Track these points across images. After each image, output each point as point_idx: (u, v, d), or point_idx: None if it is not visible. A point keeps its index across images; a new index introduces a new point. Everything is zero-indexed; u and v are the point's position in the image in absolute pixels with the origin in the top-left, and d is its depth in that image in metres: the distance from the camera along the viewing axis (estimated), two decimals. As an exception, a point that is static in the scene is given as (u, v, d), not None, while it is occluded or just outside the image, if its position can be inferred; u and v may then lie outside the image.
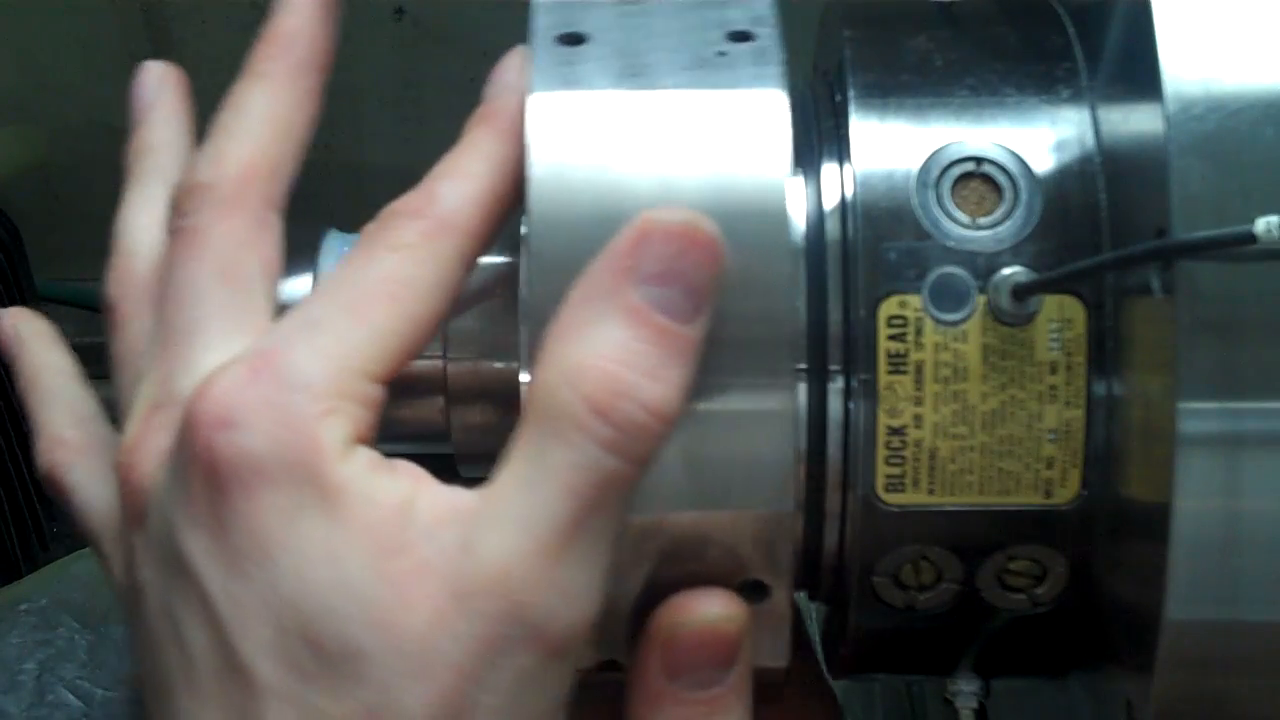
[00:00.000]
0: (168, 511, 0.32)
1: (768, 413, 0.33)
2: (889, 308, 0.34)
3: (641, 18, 0.36)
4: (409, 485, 0.32)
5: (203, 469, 0.31)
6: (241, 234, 0.35)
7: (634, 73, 0.35)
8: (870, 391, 0.34)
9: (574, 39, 0.35)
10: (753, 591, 0.34)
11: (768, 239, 0.33)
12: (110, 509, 0.36)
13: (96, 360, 0.40)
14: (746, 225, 0.32)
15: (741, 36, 0.35)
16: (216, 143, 0.36)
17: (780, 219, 0.33)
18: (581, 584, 0.31)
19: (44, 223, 0.86)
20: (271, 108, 0.37)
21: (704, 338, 0.31)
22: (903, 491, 0.34)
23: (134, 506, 0.33)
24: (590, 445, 0.30)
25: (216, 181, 0.35)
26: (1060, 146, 0.35)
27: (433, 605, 0.30)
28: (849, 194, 0.35)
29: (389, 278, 0.33)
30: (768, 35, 0.35)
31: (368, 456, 0.32)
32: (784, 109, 0.34)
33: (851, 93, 0.35)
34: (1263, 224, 0.29)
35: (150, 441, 0.33)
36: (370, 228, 0.34)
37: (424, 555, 0.31)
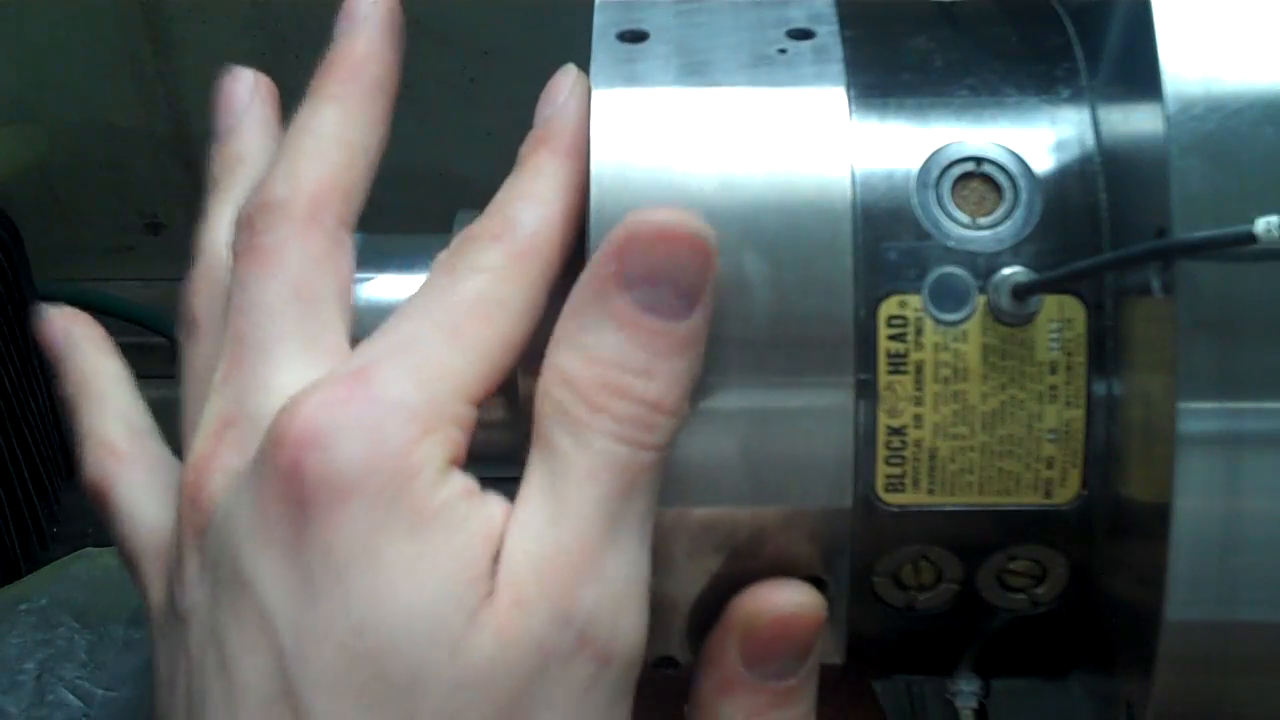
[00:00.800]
0: (233, 530, 0.31)
1: (827, 410, 0.33)
2: (889, 308, 0.34)
3: (702, 15, 0.36)
4: (500, 518, 0.31)
5: (284, 487, 0.30)
6: (316, 252, 0.34)
7: (695, 70, 0.35)
8: (870, 391, 0.34)
9: (634, 36, 0.36)
10: None
11: (829, 237, 0.33)
12: (156, 531, 0.35)
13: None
14: (808, 223, 0.33)
15: (802, 34, 0.35)
16: (290, 162, 0.35)
17: (842, 217, 0.33)
18: (622, 580, 0.31)
19: (44, 223, 0.86)
20: (345, 130, 0.36)
21: (705, 325, 0.31)
22: (903, 491, 0.34)
23: (194, 525, 0.32)
24: (597, 438, 0.31)
25: (291, 199, 0.34)
26: (1060, 146, 0.35)
27: (496, 625, 0.30)
28: (849, 194, 0.35)
29: (482, 298, 0.32)
30: (828, 33, 0.35)
31: (463, 483, 0.31)
32: (845, 107, 0.34)
33: (851, 92, 0.35)
34: (1263, 224, 0.29)
35: (220, 459, 0.32)
36: (443, 256, 0.34)
37: (497, 585, 0.30)
